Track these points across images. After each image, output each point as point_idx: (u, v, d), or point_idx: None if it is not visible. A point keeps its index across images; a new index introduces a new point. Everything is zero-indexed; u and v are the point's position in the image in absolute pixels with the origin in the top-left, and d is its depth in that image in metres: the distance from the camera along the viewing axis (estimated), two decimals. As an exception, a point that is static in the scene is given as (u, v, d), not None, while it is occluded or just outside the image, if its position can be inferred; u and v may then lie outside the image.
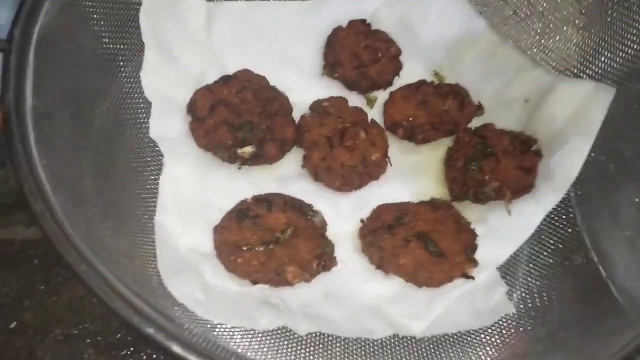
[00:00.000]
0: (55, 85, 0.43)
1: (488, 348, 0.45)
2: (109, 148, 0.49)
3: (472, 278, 0.49)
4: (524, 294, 0.49)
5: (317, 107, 0.57)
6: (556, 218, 0.52)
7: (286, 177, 0.55)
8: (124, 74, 0.53)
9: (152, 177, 0.51)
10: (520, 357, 0.44)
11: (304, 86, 0.59)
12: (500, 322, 0.47)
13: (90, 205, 0.42)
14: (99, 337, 0.54)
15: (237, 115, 0.55)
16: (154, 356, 0.53)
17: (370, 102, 0.60)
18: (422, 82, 0.60)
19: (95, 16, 0.49)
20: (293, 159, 0.56)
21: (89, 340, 0.54)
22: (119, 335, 0.54)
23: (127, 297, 0.35)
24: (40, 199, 0.35)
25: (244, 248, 0.49)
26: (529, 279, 0.49)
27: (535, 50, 0.58)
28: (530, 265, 0.50)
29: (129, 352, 0.54)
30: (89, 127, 0.47)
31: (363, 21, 0.61)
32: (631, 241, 0.53)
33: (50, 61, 0.42)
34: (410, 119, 0.57)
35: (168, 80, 0.55)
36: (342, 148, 0.55)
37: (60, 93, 0.44)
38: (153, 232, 0.47)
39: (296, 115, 0.57)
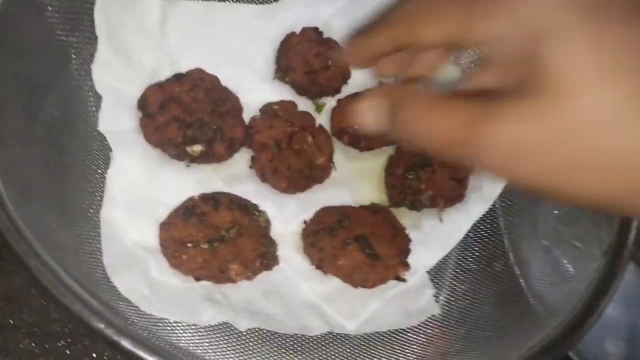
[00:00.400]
0: (5, 76, 0.43)
1: (414, 346, 0.49)
2: (57, 141, 0.49)
3: (405, 280, 0.53)
4: (449, 296, 0.53)
5: (267, 109, 0.59)
6: (482, 227, 0.56)
7: (234, 176, 0.57)
8: (74, 66, 0.53)
9: (100, 171, 0.52)
10: (441, 355, 0.48)
11: (255, 88, 0.61)
12: (426, 322, 0.51)
13: (39, 199, 0.42)
14: (35, 327, 0.54)
15: (187, 113, 0.56)
16: (89, 346, 0.54)
17: (319, 108, 0.62)
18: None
19: (49, 8, 0.49)
20: (241, 159, 0.58)
21: (24, 331, 0.54)
22: (56, 326, 0.55)
23: (77, 292, 0.36)
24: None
25: (189, 245, 0.50)
26: (455, 282, 0.54)
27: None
28: (457, 270, 0.54)
29: (65, 344, 0.54)
30: (37, 119, 0.47)
31: (315, 29, 0.63)
32: (547, 249, 0.58)
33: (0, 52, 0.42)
34: (355, 126, 0.60)
35: (120, 75, 0.55)
36: (289, 151, 0.57)
37: (10, 84, 0.44)
38: (99, 226, 0.48)
39: (246, 117, 0.59)
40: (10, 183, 0.39)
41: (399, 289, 0.52)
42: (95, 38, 0.54)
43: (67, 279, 0.35)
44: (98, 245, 0.47)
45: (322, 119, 0.62)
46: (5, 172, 0.38)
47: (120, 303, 0.44)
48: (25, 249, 0.34)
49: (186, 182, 0.55)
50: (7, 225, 0.35)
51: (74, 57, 0.52)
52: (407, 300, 0.52)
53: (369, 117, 0.28)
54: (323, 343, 0.49)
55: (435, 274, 0.54)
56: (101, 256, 0.46)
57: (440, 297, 0.53)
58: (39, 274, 0.34)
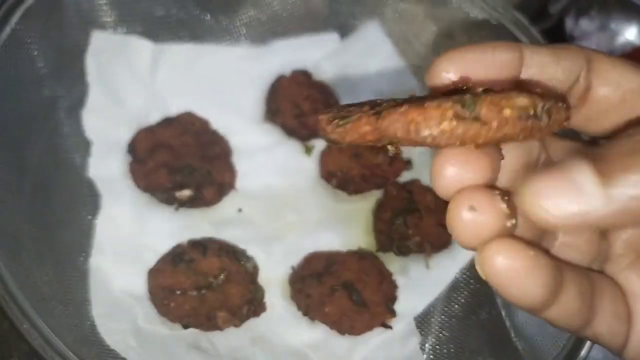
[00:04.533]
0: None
1: (399, 395, 0.50)
2: (46, 189, 0.49)
3: (391, 328, 0.53)
4: (434, 344, 0.53)
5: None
6: (468, 273, 0.57)
7: (222, 220, 0.57)
8: (62, 112, 0.53)
9: (89, 217, 0.52)
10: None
11: (245, 131, 0.61)
12: (412, 371, 0.52)
13: (28, 251, 0.43)
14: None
15: (177, 158, 0.56)
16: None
17: (308, 150, 0.63)
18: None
19: (37, 54, 0.50)
20: (230, 203, 0.58)
21: (14, 373, 0.54)
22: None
23: (64, 353, 0.36)
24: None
25: (178, 292, 0.51)
26: (441, 329, 0.54)
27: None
28: (443, 316, 0.55)
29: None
30: (25, 169, 0.48)
31: (305, 72, 0.64)
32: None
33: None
34: (344, 169, 0.61)
35: (110, 120, 0.55)
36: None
37: (3, 139, 0.44)
38: (88, 275, 0.48)
39: (236, 160, 0.59)
40: (1, 241, 0.39)
41: (385, 337, 0.53)
42: (82, 83, 0.54)
43: (54, 341, 0.35)
44: (87, 295, 0.47)
45: (312, 162, 0.62)
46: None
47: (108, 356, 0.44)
48: (17, 313, 0.35)
49: (175, 227, 0.55)
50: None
51: (61, 102, 0.53)
52: (393, 348, 0.52)
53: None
54: (309, 392, 0.50)
55: (422, 320, 0.54)
56: (90, 307, 0.46)
57: (426, 344, 0.53)
58: (29, 337, 0.34)
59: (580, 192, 0.17)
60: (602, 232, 0.22)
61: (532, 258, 0.19)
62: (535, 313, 0.20)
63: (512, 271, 0.19)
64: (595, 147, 0.20)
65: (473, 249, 0.20)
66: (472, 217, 0.19)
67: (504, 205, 0.19)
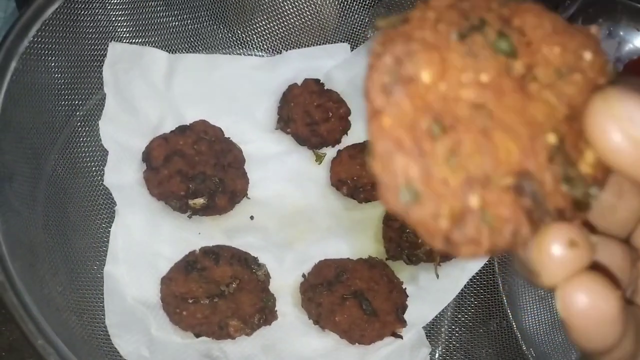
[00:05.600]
0: (13, 142, 0.44)
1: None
2: (60, 197, 0.50)
3: (401, 337, 0.54)
4: (444, 352, 0.54)
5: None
6: (478, 281, 0.57)
7: (234, 228, 0.58)
8: (77, 122, 0.54)
9: (104, 226, 0.53)
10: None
11: (257, 139, 0.62)
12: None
13: (43, 261, 0.43)
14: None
15: (191, 166, 0.57)
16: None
17: (319, 158, 0.64)
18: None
19: (55, 67, 0.50)
20: (242, 211, 0.59)
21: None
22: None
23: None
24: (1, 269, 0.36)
25: (190, 301, 0.51)
26: (450, 338, 0.55)
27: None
28: (452, 325, 0.55)
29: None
30: (39, 176, 0.48)
31: (317, 81, 0.65)
32: (542, 298, 0.60)
33: (12, 121, 0.44)
34: (354, 177, 0.62)
35: (126, 129, 0.56)
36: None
37: (17, 149, 0.45)
38: (102, 283, 0.49)
39: (248, 168, 0.60)
40: (17, 252, 0.40)
41: (395, 346, 0.53)
42: (98, 93, 0.55)
43: (70, 356, 0.36)
44: (101, 305, 0.47)
45: (322, 169, 0.63)
46: (12, 241, 0.40)
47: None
48: (32, 328, 0.35)
49: (188, 235, 0.56)
50: (14, 303, 0.36)
51: (77, 112, 0.53)
52: (403, 358, 0.53)
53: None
54: (319, 400, 0.50)
55: (431, 329, 0.55)
56: (103, 316, 0.47)
57: (436, 353, 0.54)
58: (44, 353, 0.35)
59: None
60: (634, 261, 0.20)
61: (620, 300, 0.17)
62: (594, 356, 0.18)
63: (599, 312, 0.17)
64: None
65: (554, 286, 0.18)
66: (568, 253, 0.17)
67: (595, 238, 0.18)
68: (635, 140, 0.16)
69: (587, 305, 0.17)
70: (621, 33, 0.84)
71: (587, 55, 0.18)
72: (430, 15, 0.17)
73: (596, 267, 0.18)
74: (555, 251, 0.17)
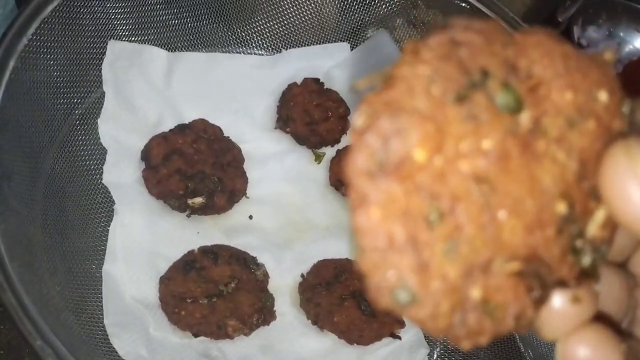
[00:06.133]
0: (11, 141, 0.44)
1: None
2: (58, 196, 0.50)
3: (399, 338, 0.54)
4: (442, 353, 0.54)
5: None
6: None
7: (233, 228, 0.58)
8: (76, 121, 0.54)
9: (103, 225, 0.53)
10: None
11: (256, 138, 0.62)
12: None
13: (41, 261, 0.43)
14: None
15: (190, 165, 0.57)
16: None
17: (318, 158, 0.63)
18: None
19: (52, 63, 0.50)
20: (241, 210, 0.59)
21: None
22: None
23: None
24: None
25: (188, 300, 0.51)
26: (447, 340, 0.54)
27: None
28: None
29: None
30: (38, 175, 0.48)
31: (316, 80, 0.64)
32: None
33: (11, 119, 0.43)
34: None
35: (125, 127, 0.56)
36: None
37: (15, 148, 0.45)
38: (101, 282, 0.49)
39: (247, 167, 0.60)
40: (15, 251, 0.39)
41: (393, 346, 0.53)
42: (96, 91, 0.55)
43: (68, 357, 0.36)
44: (99, 304, 0.47)
45: (321, 168, 0.63)
46: (11, 241, 0.39)
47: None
48: (30, 329, 0.35)
49: (186, 234, 0.56)
50: (13, 305, 0.35)
51: (76, 110, 0.53)
52: (401, 359, 0.53)
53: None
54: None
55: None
56: (102, 316, 0.47)
57: (434, 355, 0.54)
58: (43, 354, 0.35)
59: None
60: (631, 289, 0.19)
61: (623, 354, 0.16)
62: None
63: None
64: None
65: (555, 340, 0.17)
66: (571, 309, 0.16)
67: (598, 287, 0.17)
68: None
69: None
70: (621, 34, 0.84)
71: (602, 96, 0.16)
72: (421, 71, 0.15)
73: (598, 317, 0.17)
74: (558, 307, 0.16)
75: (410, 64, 0.15)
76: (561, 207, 0.15)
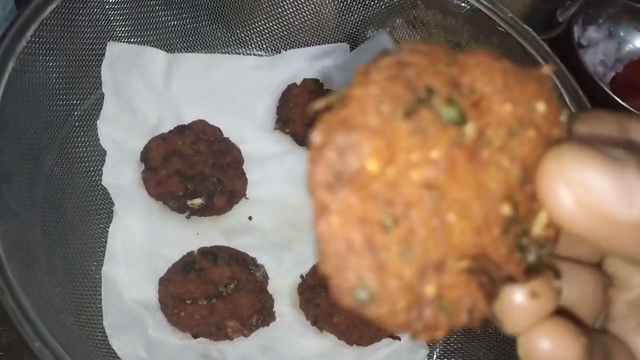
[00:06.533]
0: (11, 143, 0.44)
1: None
2: (58, 197, 0.50)
3: (399, 339, 0.54)
4: (441, 354, 0.54)
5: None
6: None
7: (232, 228, 0.58)
8: (75, 122, 0.54)
9: (102, 226, 0.53)
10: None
11: (256, 139, 0.62)
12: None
13: (41, 262, 0.43)
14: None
15: (189, 166, 0.57)
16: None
17: (318, 159, 0.63)
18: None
19: (54, 72, 0.50)
20: (240, 211, 0.59)
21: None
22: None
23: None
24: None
25: (188, 301, 0.51)
26: (448, 340, 0.55)
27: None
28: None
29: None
30: (37, 177, 0.48)
31: (316, 80, 0.64)
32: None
33: (10, 121, 0.43)
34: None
35: (124, 129, 0.56)
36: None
37: (15, 150, 0.45)
38: (100, 284, 0.49)
39: (247, 168, 0.60)
40: (14, 253, 0.39)
41: (393, 347, 0.53)
42: (95, 93, 0.55)
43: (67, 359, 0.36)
44: (98, 305, 0.47)
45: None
46: (10, 243, 0.39)
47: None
48: (29, 331, 0.35)
49: (186, 235, 0.56)
50: (12, 307, 0.36)
51: (75, 112, 0.53)
52: (401, 359, 0.53)
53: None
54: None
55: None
56: (101, 317, 0.47)
57: (434, 355, 0.54)
58: (41, 355, 0.35)
59: (624, 186, 0.15)
60: (605, 287, 0.20)
61: (584, 346, 0.17)
62: None
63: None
64: None
65: (517, 334, 0.18)
66: (529, 304, 0.17)
67: (558, 284, 0.18)
68: (587, 206, 0.15)
69: (549, 353, 0.17)
70: (621, 33, 0.84)
71: (540, 107, 0.17)
72: (372, 91, 0.16)
73: (561, 311, 0.18)
74: (517, 302, 0.17)
75: (362, 85, 0.16)
76: (506, 209, 0.17)
